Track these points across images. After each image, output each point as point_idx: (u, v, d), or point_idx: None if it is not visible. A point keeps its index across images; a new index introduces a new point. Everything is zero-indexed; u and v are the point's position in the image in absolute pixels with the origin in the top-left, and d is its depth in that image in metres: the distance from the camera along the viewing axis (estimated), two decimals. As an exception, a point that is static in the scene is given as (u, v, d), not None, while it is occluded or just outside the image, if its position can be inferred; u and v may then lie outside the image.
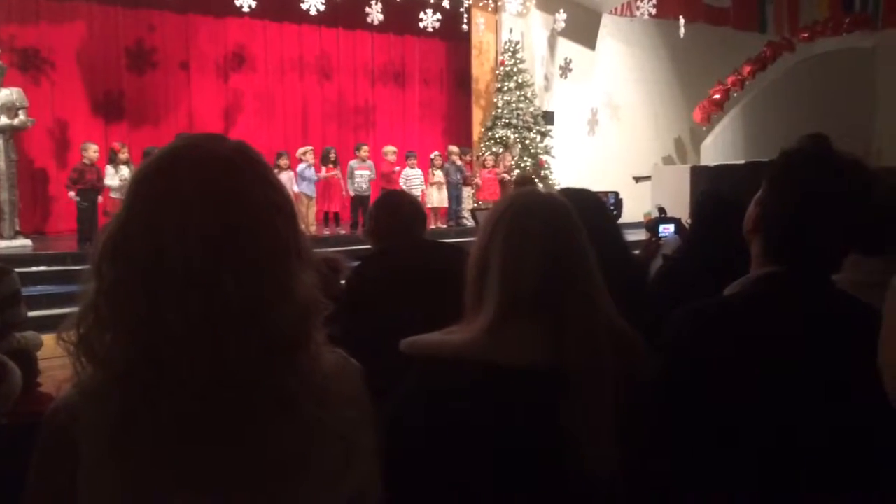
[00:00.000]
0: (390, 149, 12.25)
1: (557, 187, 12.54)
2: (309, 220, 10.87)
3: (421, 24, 12.70)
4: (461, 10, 12.82)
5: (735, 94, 15.29)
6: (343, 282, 2.87)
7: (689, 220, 3.29)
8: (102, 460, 0.95)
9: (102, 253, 0.97)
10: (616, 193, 4.95)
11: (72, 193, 9.39)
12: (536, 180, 12.18)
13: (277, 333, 0.97)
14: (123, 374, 0.94)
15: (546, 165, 13.63)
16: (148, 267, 0.93)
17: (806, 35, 14.55)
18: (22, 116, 9.63)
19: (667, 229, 3.61)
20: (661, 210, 4.58)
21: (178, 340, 0.92)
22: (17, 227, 9.72)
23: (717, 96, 15.10)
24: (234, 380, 0.95)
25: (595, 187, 3.03)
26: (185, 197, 0.95)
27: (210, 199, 0.96)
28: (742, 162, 12.54)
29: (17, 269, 5.30)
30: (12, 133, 9.60)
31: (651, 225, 3.64)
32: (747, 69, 15.02)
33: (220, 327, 0.93)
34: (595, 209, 2.55)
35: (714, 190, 3.03)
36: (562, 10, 13.50)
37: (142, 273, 0.93)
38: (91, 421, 0.95)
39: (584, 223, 1.39)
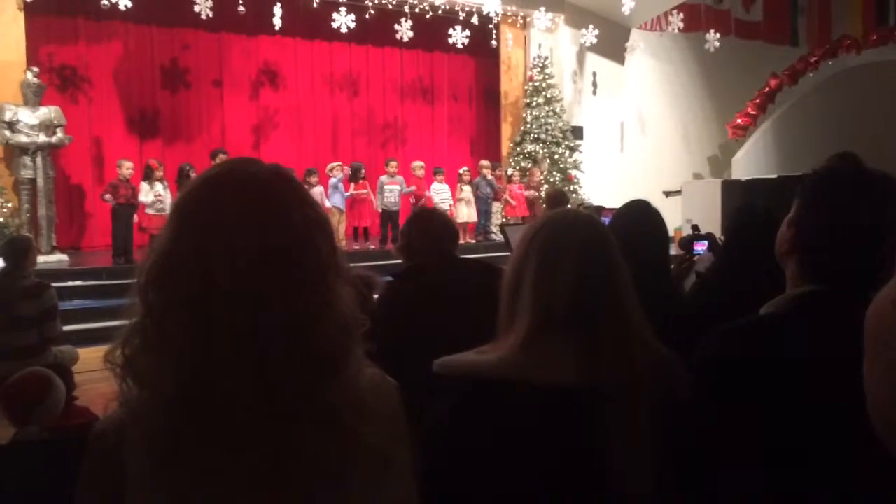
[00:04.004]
0: (418, 164, 12.29)
1: (586, 201, 12.51)
2: (339, 234, 10.94)
3: (450, 41, 12.74)
4: (490, 26, 12.87)
5: (767, 108, 15.17)
6: (376, 297, 2.88)
7: (721, 237, 3.26)
8: (150, 480, 0.96)
9: (148, 276, 0.98)
10: None
11: (108, 196, 9.50)
12: (568, 193, 12.09)
13: (320, 349, 0.99)
14: (171, 394, 0.95)
15: (575, 180, 13.60)
16: (195, 290, 0.95)
17: (840, 48, 14.39)
18: (60, 134, 9.85)
19: (701, 246, 3.58)
20: (695, 227, 4.52)
21: (225, 360, 0.94)
22: (54, 243, 9.91)
23: (751, 111, 14.99)
24: (278, 396, 0.96)
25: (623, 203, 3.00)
26: (229, 220, 0.97)
27: (254, 220, 0.98)
28: (774, 176, 12.41)
29: (53, 284, 5.45)
30: (50, 150, 9.82)
31: (685, 243, 3.60)
32: (773, 83, 14.88)
33: (266, 346, 0.95)
34: (639, 223, 2.52)
35: (747, 205, 2.99)
36: (591, 26, 13.51)
37: (189, 296, 0.95)
38: (139, 442, 0.97)
39: (626, 237, 1.39)
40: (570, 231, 1.37)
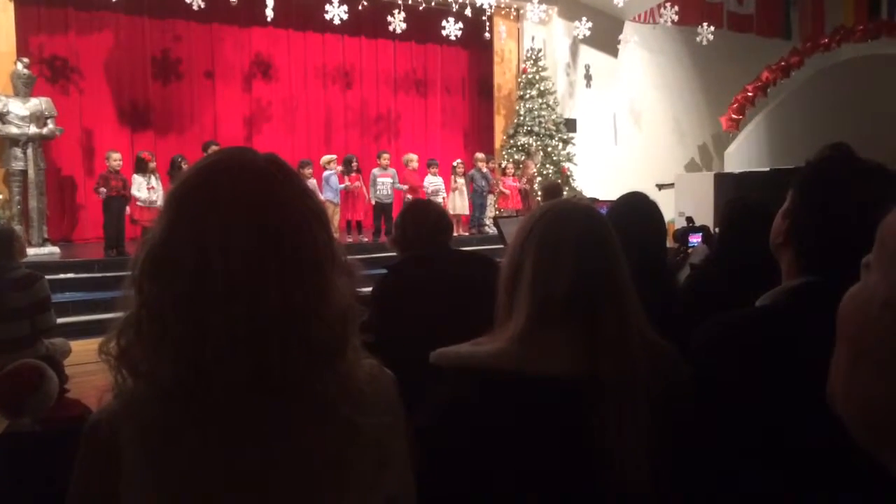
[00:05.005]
0: (412, 156, 12.27)
1: (580, 193, 12.51)
2: (334, 227, 10.87)
3: (443, 33, 12.70)
4: (483, 18, 12.84)
5: (759, 101, 15.19)
6: (370, 290, 2.87)
7: (716, 229, 3.26)
8: (145, 472, 0.96)
9: (143, 268, 0.97)
10: None
11: (102, 190, 9.43)
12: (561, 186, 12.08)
13: (317, 339, 0.98)
14: (166, 386, 0.95)
15: (569, 173, 13.59)
16: (192, 281, 0.94)
17: (832, 41, 14.41)
18: (50, 125, 9.79)
19: (695, 238, 3.59)
20: (690, 220, 4.53)
21: (222, 351, 0.93)
22: (46, 235, 9.87)
23: (735, 104, 15.02)
24: (276, 386, 0.95)
25: (617, 195, 3.00)
26: (226, 210, 0.96)
27: (250, 210, 0.97)
28: (767, 169, 12.45)
29: (45, 276, 5.42)
30: (41, 142, 9.76)
31: (680, 235, 3.62)
32: (766, 75, 14.90)
33: (264, 337, 0.94)
34: (637, 215, 2.52)
35: (741, 198, 3.00)
36: (584, 18, 13.49)
37: (185, 287, 0.94)
38: (134, 432, 0.96)
39: (623, 229, 1.38)
40: (568, 222, 1.36)
